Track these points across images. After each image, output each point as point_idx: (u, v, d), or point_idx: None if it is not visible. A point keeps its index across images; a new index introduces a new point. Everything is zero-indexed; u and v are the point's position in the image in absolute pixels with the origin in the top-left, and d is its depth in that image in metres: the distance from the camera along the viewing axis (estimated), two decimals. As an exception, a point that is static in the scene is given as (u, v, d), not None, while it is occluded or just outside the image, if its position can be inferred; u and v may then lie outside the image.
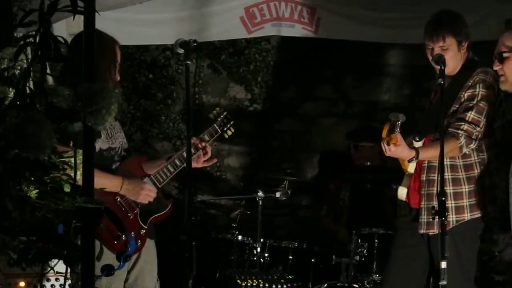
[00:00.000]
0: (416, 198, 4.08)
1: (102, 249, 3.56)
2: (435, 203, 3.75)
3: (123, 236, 3.71)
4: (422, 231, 4.02)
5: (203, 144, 3.92)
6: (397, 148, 3.81)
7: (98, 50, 3.64)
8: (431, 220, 3.78)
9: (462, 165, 4.01)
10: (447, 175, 3.98)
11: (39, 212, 2.00)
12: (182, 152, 3.86)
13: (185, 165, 3.80)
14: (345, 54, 6.95)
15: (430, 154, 3.90)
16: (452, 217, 3.98)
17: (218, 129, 4.03)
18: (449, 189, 3.97)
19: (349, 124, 6.97)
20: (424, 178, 4.01)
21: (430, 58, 3.99)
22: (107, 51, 3.73)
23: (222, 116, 4.06)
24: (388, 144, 3.77)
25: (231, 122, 4.08)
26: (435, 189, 3.77)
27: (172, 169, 3.87)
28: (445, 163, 3.93)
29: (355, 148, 6.03)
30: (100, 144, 3.72)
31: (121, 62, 3.83)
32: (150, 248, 3.90)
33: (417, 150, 3.88)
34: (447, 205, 3.91)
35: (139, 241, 3.80)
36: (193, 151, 3.84)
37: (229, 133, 4.09)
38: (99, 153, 3.70)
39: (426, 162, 4.01)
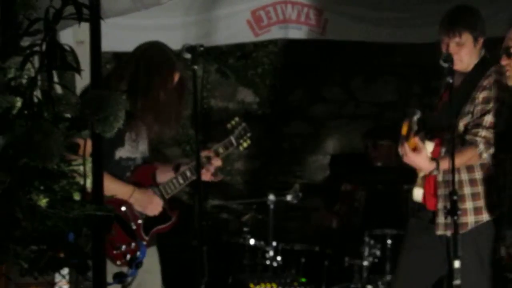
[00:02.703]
0: (432, 200, 4.04)
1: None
2: None
3: (123, 246, 3.66)
4: (440, 232, 3.98)
5: (214, 158, 3.85)
6: (416, 157, 3.79)
7: (153, 66, 3.66)
8: (449, 221, 3.76)
9: (478, 166, 3.98)
10: (464, 176, 3.95)
11: (49, 221, 1.99)
12: (193, 163, 3.79)
13: (194, 177, 3.77)
14: (353, 55, 6.94)
15: (450, 164, 3.83)
16: (471, 218, 3.95)
17: (234, 142, 3.98)
18: (466, 190, 3.95)
19: (358, 125, 6.96)
20: (440, 179, 3.98)
21: (445, 51, 3.97)
22: (160, 69, 3.72)
23: (240, 128, 4.00)
24: (408, 140, 3.76)
25: (248, 134, 4.02)
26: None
27: (182, 181, 3.82)
28: None
29: (374, 147, 5.99)
30: (122, 153, 3.70)
31: (181, 91, 3.78)
32: (150, 257, 3.83)
33: (437, 161, 3.86)
34: (465, 207, 3.91)
35: (138, 252, 3.74)
36: (204, 160, 3.79)
37: (245, 145, 4.02)
38: (117, 161, 3.68)
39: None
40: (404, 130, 3.78)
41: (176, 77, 3.76)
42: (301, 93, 7.25)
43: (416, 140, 3.77)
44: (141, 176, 3.79)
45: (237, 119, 4.09)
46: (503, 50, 3.80)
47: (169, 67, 3.74)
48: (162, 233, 3.90)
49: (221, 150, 3.92)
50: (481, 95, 3.94)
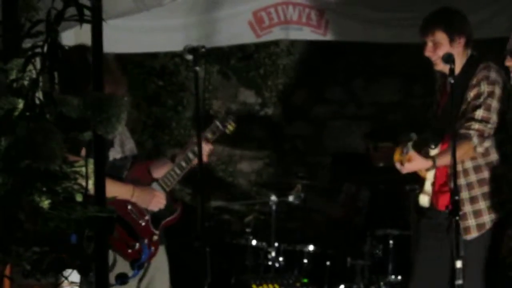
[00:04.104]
0: (445, 200, 4.03)
1: (115, 259, 3.58)
2: (467, 208, 3.79)
3: (137, 244, 3.71)
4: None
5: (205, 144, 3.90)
6: (411, 164, 3.82)
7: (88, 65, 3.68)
8: (466, 225, 3.76)
9: (485, 164, 3.98)
10: (473, 177, 3.95)
11: (52, 222, 1.99)
12: (187, 152, 3.87)
13: (190, 166, 3.85)
14: (355, 55, 6.94)
15: (447, 159, 3.86)
16: (487, 218, 3.94)
17: (220, 125, 4.01)
18: (477, 191, 3.95)
19: (360, 126, 6.96)
20: (452, 186, 3.97)
21: (424, 52, 4.01)
22: (111, 64, 3.74)
23: (223, 114, 4.07)
24: (403, 164, 3.79)
25: (232, 117, 4.07)
26: (466, 193, 3.81)
27: (178, 171, 3.87)
28: (468, 166, 3.93)
29: (375, 149, 5.99)
30: (114, 154, 3.74)
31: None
32: (160, 255, 3.89)
33: (433, 158, 3.86)
34: (480, 208, 3.91)
35: (152, 247, 3.80)
36: (196, 149, 3.86)
37: (231, 128, 4.05)
38: (112, 163, 3.71)
39: (450, 169, 3.97)
40: (397, 157, 3.81)
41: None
42: (303, 94, 7.25)
43: (410, 154, 3.80)
44: (139, 173, 3.85)
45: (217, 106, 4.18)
46: (508, 51, 3.79)
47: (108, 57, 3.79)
48: (167, 233, 3.93)
49: (209, 135, 3.97)
50: (471, 93, 3.96)
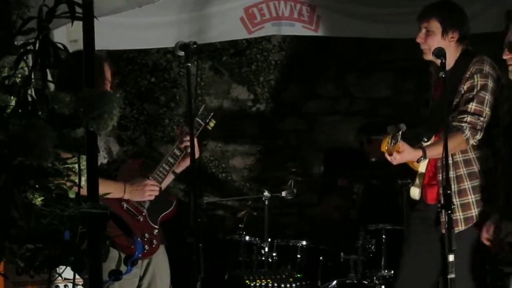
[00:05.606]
0: (433, 194, 4.05)
1: (120, 256, 3.61)
2: (454, 201, 3.79)
3: (139, 239, 3.72)
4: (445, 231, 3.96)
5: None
6: (402, 155, 3.81)
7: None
8: (454, 218, 3.78)
9: (475, 158, 3.99)
10: (463, 170, 3.96)
11: (45, 219, 2.00)
12: (173, 149, 3.95)
13: (179, 161, 3.93)
14: (347, 51, 6.95)
15: (438, 151, 3.86)
16: (474, 212, 3.96)
17: (201, 122, 4.08)
18: (466, 184, 3.96)
19: (353, 121, 6.97)
20: (440, 178, 3.98)
21: (416, 38, 4.05)
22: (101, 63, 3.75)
23: (201, 109, 4.13)
24: (391, 155, 3.79)
25: (211, 114, 4.14)
26: (454, 186, 3.81)
27: (168, 168, 3.92)
28: (458, 159, 3.94)
29: (368, 142, 5.99)
30: (101, 159, 3.75)
31: (112, 78, 3.85)
32: (161, 254, 3.92)
33: (423, 149, 3.87)
34: (468, 201, 3.93)
35: (154, 241, 3.84)
36: (182, 147, 3.89)
37: (211, 124, 4.14)
38: (100, 168, 3.71)
39: (440, 161, 3.98)
40: (384, 146, 3.80)
41: (108, 70, 3.85)
42: (295, 89, 7.25)
43: (399, 144, 3.80)
44: (128, 171, 3.87)
45: (197, 103, 4.21)
46: (506, 44, 3.80)
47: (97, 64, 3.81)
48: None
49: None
50: (465, 86, 3.97)
